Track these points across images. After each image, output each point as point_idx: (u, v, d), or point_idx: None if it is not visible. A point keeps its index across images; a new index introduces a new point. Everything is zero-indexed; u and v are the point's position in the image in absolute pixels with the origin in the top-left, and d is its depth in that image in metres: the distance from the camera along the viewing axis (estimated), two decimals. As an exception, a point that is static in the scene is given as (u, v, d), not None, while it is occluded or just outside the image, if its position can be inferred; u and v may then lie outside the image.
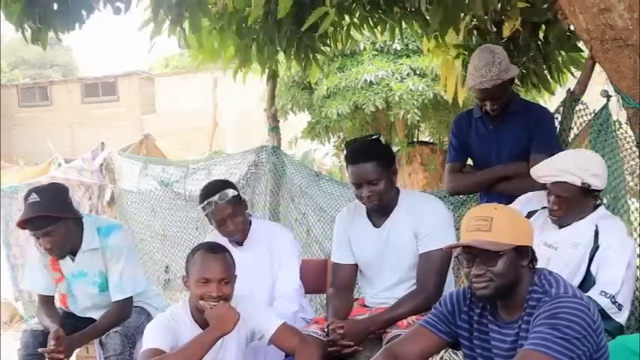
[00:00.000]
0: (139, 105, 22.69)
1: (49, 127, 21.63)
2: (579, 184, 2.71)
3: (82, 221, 3.37)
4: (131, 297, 3.41)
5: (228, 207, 3.25)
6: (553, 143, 3.29)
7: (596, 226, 2.70)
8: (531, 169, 2.89)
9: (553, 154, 3.27)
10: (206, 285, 2.66)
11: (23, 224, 3.22)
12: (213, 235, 3.53)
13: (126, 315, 3.38)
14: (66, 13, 3.74)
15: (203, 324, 2.71)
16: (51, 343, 3.11)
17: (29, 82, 25.93)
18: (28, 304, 6.64)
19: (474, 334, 2.25)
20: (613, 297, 2.56)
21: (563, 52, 3.95)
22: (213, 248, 2.77)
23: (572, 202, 2.74)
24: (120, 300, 3.37)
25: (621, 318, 2.58)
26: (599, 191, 2.78)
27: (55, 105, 23.53)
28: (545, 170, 2.83)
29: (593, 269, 2.64)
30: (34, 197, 3.19)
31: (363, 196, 3.00)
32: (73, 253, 3.37)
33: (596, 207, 2.79)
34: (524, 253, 2.14)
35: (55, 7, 3.71)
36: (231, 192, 3.27)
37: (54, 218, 3.20)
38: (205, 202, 3.25)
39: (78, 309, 3.50)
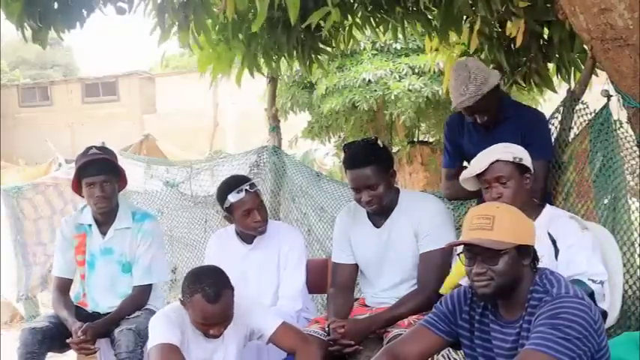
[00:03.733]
0: (139, 105, 22.70)
1: (50, 127, 21.61)
2: (511, 159, 2.71)
3: (118, 201, 3.53)
4: (151, 285, 3.51)
5: (257, 196, 3.29)
6: (548, 147, 3.27)
7: (550, 235, 2.65)
8: (460, 176, 2.86)
9: (549, 160, 3.27)
10: (206, 326, 2.68)
11: (83, 169, 3.40)
12: (218, 235, 3.54)
13: (144, 302, 3.47)
14: (67, 12, 3.73)
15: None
16: (78, 334, 3.21)
17: (30, 82, 25.93)
18: (28, 304, 6.65)
19: (475, 333, 2.26)
20: (602, 282, 2.57)
21: (570, 53, 3.93)
22: (213, 295, 2.60)
23: (511, 182, 2.69)
24: (143, 285, 3.47)
25: (605, 305, 2.59)
26: (530, 175, 2.75)
27: (56, 105, 23.52)
28: (473, 166, 2.79)
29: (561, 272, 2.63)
30: (94, 150, 3.49)
31: (363, 200, 3.00)
32: (104, 232, 3.50)
33: (540, 207, 2.75)
34: (526, 253, 2.14)
35: (56, 6, 3.70)
36: (255, 183, 3.35)
37: (113, 167, 3.49)
38: (236, 190, 3.23)
39: (93, 292, 3.54)
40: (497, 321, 2.20)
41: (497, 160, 2.72)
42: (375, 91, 9.06)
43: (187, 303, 2.67)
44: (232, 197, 3.23)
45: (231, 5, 3.18)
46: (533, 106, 4.96)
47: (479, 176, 2.78)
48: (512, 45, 3.89)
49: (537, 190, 3.02)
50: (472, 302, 2.27)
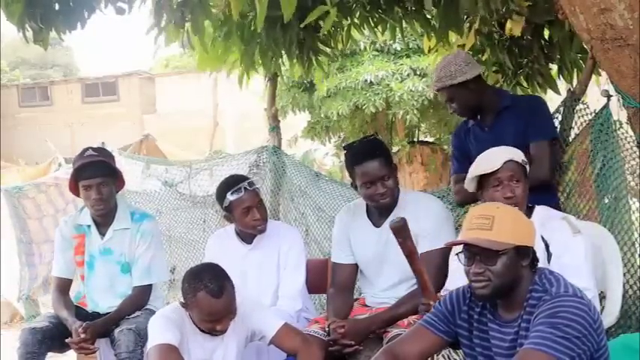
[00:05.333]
0: (139, 105, 22.71)
1: (50, 127, 21.62)
2: (520, 160, 2.73)
3: (117, 201, 3.51)
4: (151, 285, 3.50)
5: (256, 194, 3.30)
6: (550, 127, 3.28)
7: (542, 237, 2.61)
8: (470, 169, 2.83)
9: (553, 139, 3.26)
10: (214, 322, 2.67)
11: (80, 171, 3.39)
12: (218, 236, 3.54)
13: (144, 302, 3.47)
14: (67, 13, 3.74)
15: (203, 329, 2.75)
16: (79, 333, 3.20)
17: (30, 82, 25.95)
18: (28, 304, 6.65)
19: (473, 332, 2.25)
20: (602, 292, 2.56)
21: (571, 53, 3.94)
22: (217, 289, 2.63)
23: (521, 183, 2.70)
24: (143, 285, 3.47)
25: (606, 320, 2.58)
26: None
27: (56, 105, 23.53)
28: (484, 164, 2.76)
29: None
30: (91, 152, 3.45)
31: (378, 193, 3.00)
32: (103, 232, 3.50)
33: (530, 208, 2.74)
34: (525, 254, 2.13)
35: (57, 7, 3.71)
36: (254, 181, 3.36)
37: (110, 168, 3.45)
38: (235, 188, 3.23)
39: (92, 293, 3.54)
40: (496, 320, 2.20)
41: (510, 160, 2.72)
42: (378, 93, 9.06)
43: (191, 303, 2.67)
44: (231, 196, 3.24)
45: (236, 6, 3.18)
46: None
47: (485, 177, 2.76)
48: (514, 46, 3.89)
49: (543, 168, 3.09)
50: (471, 302, 2.27)
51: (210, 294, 2.62)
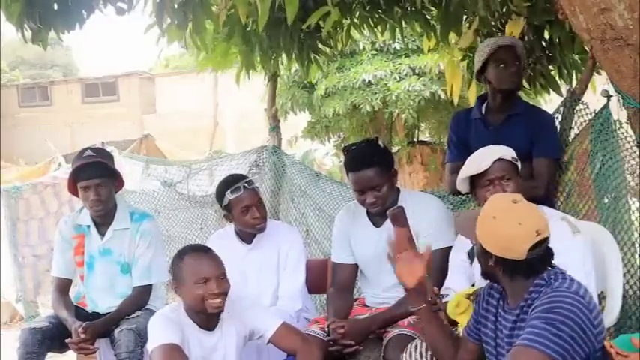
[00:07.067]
0: (139, 105, 22.73)
1: (50, 127, 21.65)
2: (510, 158, 2.72)
3: (116, 201, 3.51)
4: (151, 285, 3.50)
5: (255, 193, 3.30)
6: (557, 146, 3.29)
7: None
8: (461, 171, 2.82)
9: (556, 158, 3.27)
10: (206, 284, 2.66)
11: (78, 172, 3.38)
12: (218, 236, 3.54)
13: (145, 302, 3.47)
14: (66, 13, 3.73)
15: (201, 324, 2.75)
16: (79, 333, 3.20)
17: (29, 82, 25.97)
18: (28, 304, 6.65)
19: (489, 318, 2.28)
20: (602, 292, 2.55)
21: (570, 54, 3.93)
22: (201, 248, 2.80)
23: (513, 182, 2.69)
24: (142, 286, 3.47)
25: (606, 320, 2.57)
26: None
27: (56, 105, 23.55)
28: (473, 165, 2.75)
29: None
30: (90, 152, 3.44)
31: (367, 202, 2.99)
32: (102, 232, 3.50)
33: None
34: (489, 255, 2.14)
35: (56, 7, 3.70)
36: (254, 182, 3.36)
37: (109, 170, 3.44)
38: (234, 187, 3.24)
39: (92, 293, 3.54)
40: (504, 306, 2.22)
41: (499, 159, 2.70)
42: (376, 93, 9.06)
43: (181, 273, 2.68)
44: (230, 195, 3.24)
45: (242, 10, 3.18)
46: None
47: (476, 176, 2.75)
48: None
49: (541, 187, 3.08)
50: (491, 289, 2.29)
51: (195, 251, 2.73)
